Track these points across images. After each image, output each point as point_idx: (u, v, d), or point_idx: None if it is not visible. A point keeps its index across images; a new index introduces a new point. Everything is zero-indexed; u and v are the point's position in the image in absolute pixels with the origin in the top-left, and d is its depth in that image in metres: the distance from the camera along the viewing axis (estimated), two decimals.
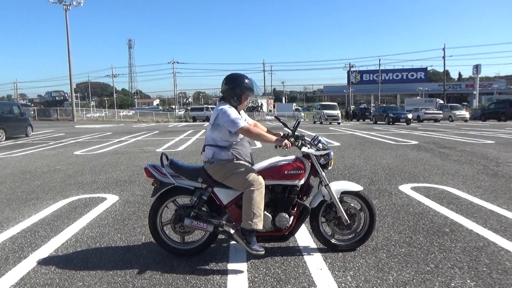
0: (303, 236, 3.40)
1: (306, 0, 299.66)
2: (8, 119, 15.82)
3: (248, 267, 2.82)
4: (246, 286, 2.52)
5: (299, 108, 69.05)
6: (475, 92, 54.51)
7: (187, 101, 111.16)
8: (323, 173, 2.96)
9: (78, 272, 2.77)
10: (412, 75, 72.83)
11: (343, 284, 2.52)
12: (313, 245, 3.22)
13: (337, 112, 28.22)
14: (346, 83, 69.17)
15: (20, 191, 5.56)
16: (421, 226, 3.69)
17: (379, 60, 79.77)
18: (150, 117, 45.24)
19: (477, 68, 55.16)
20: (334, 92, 78.00)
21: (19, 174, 7.09)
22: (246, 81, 2.91)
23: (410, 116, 25.69)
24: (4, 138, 15.03)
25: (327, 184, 2.96)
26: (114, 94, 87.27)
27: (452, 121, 29.58)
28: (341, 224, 3.03)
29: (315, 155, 2.94)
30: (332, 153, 3.01)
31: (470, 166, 7.07)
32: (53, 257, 3.08)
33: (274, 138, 2.85)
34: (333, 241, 3.09)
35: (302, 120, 34.12)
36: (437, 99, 48.72)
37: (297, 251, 3.10)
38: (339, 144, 11.71)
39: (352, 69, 66.84)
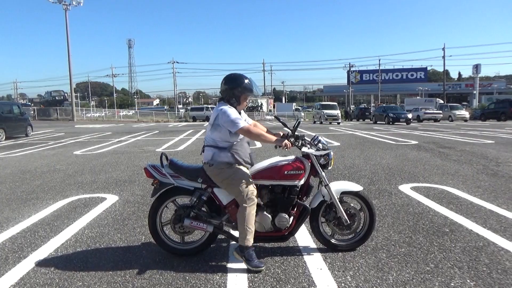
0: (303, 236, 3.40)
1: (306, 0, 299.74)
2: (8, 118, 15.82)
3: None
4: (246, 286, 2.52)
5: (299, 108, 69.08)
6: (475, 92, 54.51)
7: (187, 101, 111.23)
8: (323, 173, 2.95)
9: (77, 272, 2.77)
10: (412, 75, 72.82)
11: (343, 284, 2.52)
12: (313, 245, 3.22)
13: (337, 112, 28.21)
14: (346, 83, 69.14)
15: (20, 191, 5.56)
16: (420, 226, 3.69)
17: (379, 60, 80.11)
18: (150, 117, 45.25)
19: (476, 67, 55.16)
20: (334, 92, 77.97)
21: (19, 174, 7.09)
22: (246, 81, 2.89)
23: (410, 116, 25.70)
24: (4, 137, 15.03)
25: (327, 184, 2.96)
26: (114, 94, 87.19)
27: (452, 121, 29.59)
28: (341, 224, 3.03)
29: (315, 155, 2.94)
30: (332, 153, 3.00)
31: (470, 166, 7.08)
32: (53, 257, 3.08)
33: (274, 138, 2.84)
34: (333, 241, 3.09)
35: (302, 120, 34.13)
36: (437, 99, 48.73)
37: (297, 251, 3.10)
38: (339, 144, 11.72)
39: (352, 69, 66.83)
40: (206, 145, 2.93)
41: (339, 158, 8.36)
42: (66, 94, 56.16)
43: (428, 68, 74.59)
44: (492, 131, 16.49)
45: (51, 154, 10.20)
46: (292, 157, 3.00)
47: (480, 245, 3.18)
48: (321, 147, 2.97)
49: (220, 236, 3.18)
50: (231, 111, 2.80)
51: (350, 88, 62.35)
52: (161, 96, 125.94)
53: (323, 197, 3.02)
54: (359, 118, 36.83)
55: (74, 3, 33.97)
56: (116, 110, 54.06)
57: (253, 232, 2.79)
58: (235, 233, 2.88)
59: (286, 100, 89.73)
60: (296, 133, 2.97)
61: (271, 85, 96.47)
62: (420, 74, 72.29)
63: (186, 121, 39.71)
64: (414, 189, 5.24)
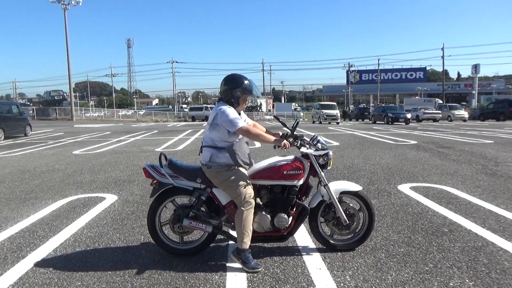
0: (302, 236, 3.40)
1: (306, 0, 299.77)
2: (7, 118, 15.79)
3: None
4: (245, 286, 2.52)
5: (298, 107, 69.07)
6: (474, 92, 54.58)
7: (186, 101, 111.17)
8: (322, 173, 2.95)
9: (76, 272, 2.77)
10: (411, 75, 72.93)
11: (342, 284, 2.52)
12: (312, 245, 3.22)
13: (336, 111, 28.23)
14: (345, 82, 69.18)
15: (19, 191, 5.55)
16: (420, 226, 3.69)
17: (378, 60, 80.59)
18: (149, 116, 45.23)
19: (476, 67, 55.21)
20: (333, 91, 78.05)
21: (17, 173, 7.08)
22: (246, 82, 2.87)
23: (409, 116, 25.72)
24: (3, 137, 15.01)
25: (326, 184, 2.96)
26: (113, 94, 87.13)
27: (451, 121, 29.61)
28: (340, 224, 3.03)
29: (314, 155, 2.94)
30: (331, 153, 3.00)
31: (469, 166, 7.08)
32: (52, 257, 3.07)
33: (273, 138, 2.84)
34: (332, 241, 3.09)
35: (301, 120, 34.13)
36: (436, 98, 48.83)
37: (296, 251, 3.10)
38: (338, 144, 11.72)
39: (351, 69, 66.80)
40: (204, 146, 2.91)
41: (338, 158, 8.37)
42: (65, 94, 55.99)
43: (427, 68, 74.79)
44: (491, 131, 16.51)
45: (50, 153, 10.19)
46: (291, 157, 3.00)
47: (479, 245, 3.18)
48: (320, 147, 2.97)
49: (219, 236, 3.18)
50: (230, 111, 2.79)
51: (349, 88, 62.38)
52: (160, 96, 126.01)
53: (322, 197, 3.02)
54: (358, 118, 36.84)
55: (73, 2, 33.90)
56: (115, 110, 53.99)
57: (250, 235, 2.79)
58: (234, 233, 2.88)
59: (285, 100, 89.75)
60: (295, 133, 2.96)
61: (270, 85, 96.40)
62: (419, 74, 72.40)
63: (185, 120, 39.69)
64: (413, 189, 5.25)
